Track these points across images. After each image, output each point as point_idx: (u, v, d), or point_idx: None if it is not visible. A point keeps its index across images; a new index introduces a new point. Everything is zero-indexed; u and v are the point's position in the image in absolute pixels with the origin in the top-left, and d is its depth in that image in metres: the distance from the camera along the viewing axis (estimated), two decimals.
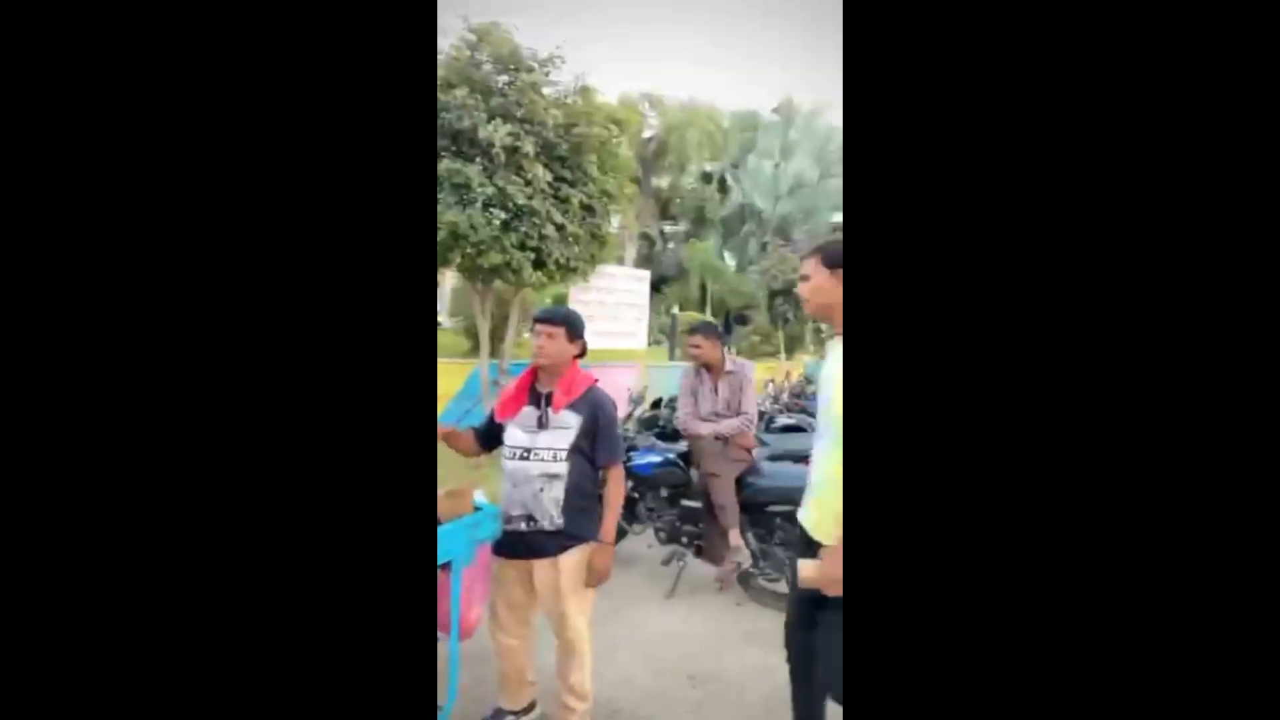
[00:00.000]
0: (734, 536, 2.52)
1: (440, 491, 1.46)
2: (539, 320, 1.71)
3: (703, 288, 14.91)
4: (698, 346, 2.80)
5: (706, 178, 18.78)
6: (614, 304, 5.88)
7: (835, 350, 1.43)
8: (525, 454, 1.69)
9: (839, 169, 19.46)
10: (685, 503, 2.77)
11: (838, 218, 18.72)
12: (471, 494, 1.56)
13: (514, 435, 1.67)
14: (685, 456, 2.86)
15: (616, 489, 1.69)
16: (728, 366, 2.79)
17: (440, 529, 1.37)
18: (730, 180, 18.96)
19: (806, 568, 1.30)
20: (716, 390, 2.80)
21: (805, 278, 1.41)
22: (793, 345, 13.13)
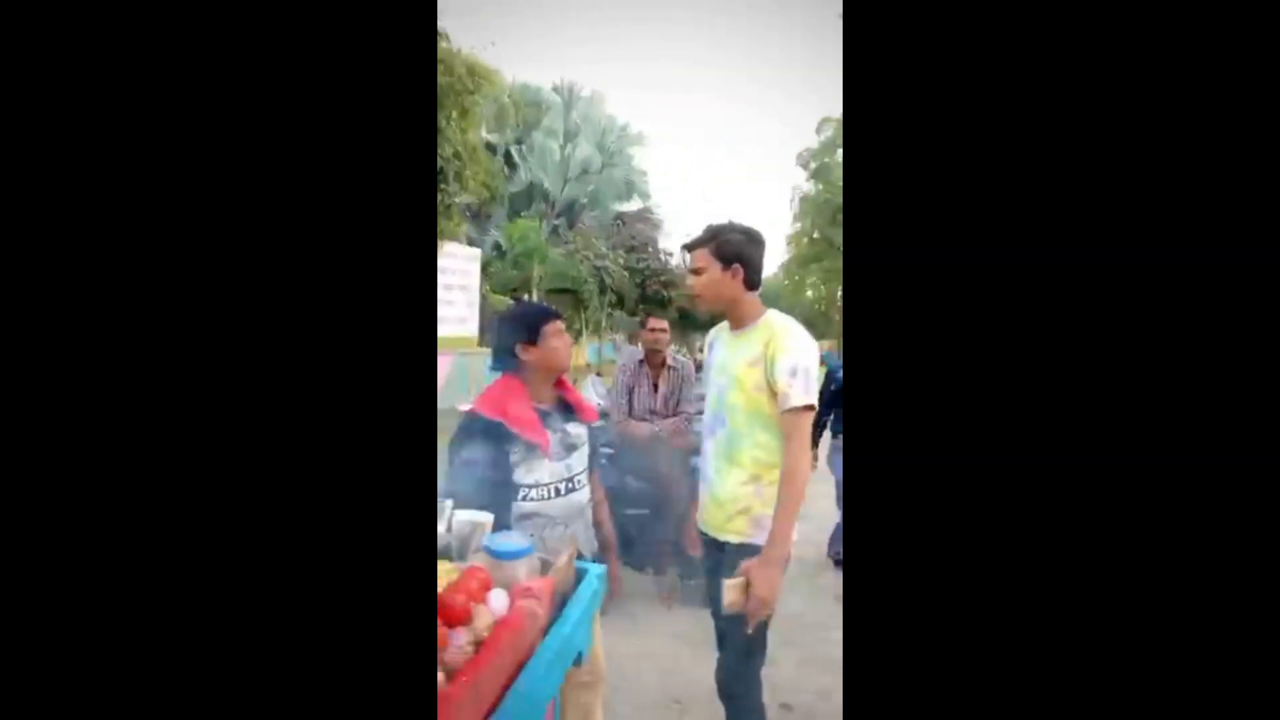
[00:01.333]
0: (693, 539, 2.46)
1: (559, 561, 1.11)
2: (557, 317, 1.43)
3: (517, 266, 13.86)
4: (665, 332, 2.64)
5: (491, 149, 17.88)
6: (445, 286, 5.18)
7: (723, 340, 1.45)
8: (571, 485, 1.42)
9: (620, 159, 20.30)
10: (629, 511, 2.62)
11: (620, 206, 19.51)
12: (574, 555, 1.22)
13: (552, 469, 1.37)
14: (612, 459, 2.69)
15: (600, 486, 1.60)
16: (669, 362, 2.70)
17: (568, 615, 1.02)
18: (516, 156, 18.34)
19: (731, 590, 1.23)
20: (656, 387, 2.68)
21: (698, 271, 1.38)
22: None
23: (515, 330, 1.39)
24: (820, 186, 18.90)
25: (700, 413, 3.86)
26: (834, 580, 2.95)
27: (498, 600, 0.86)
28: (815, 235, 19.41)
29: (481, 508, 1.22)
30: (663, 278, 14.44)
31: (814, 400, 1.29)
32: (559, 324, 1.41)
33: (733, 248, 1.37)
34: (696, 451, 3.03)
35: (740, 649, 1.35)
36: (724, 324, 1.50)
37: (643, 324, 2.69)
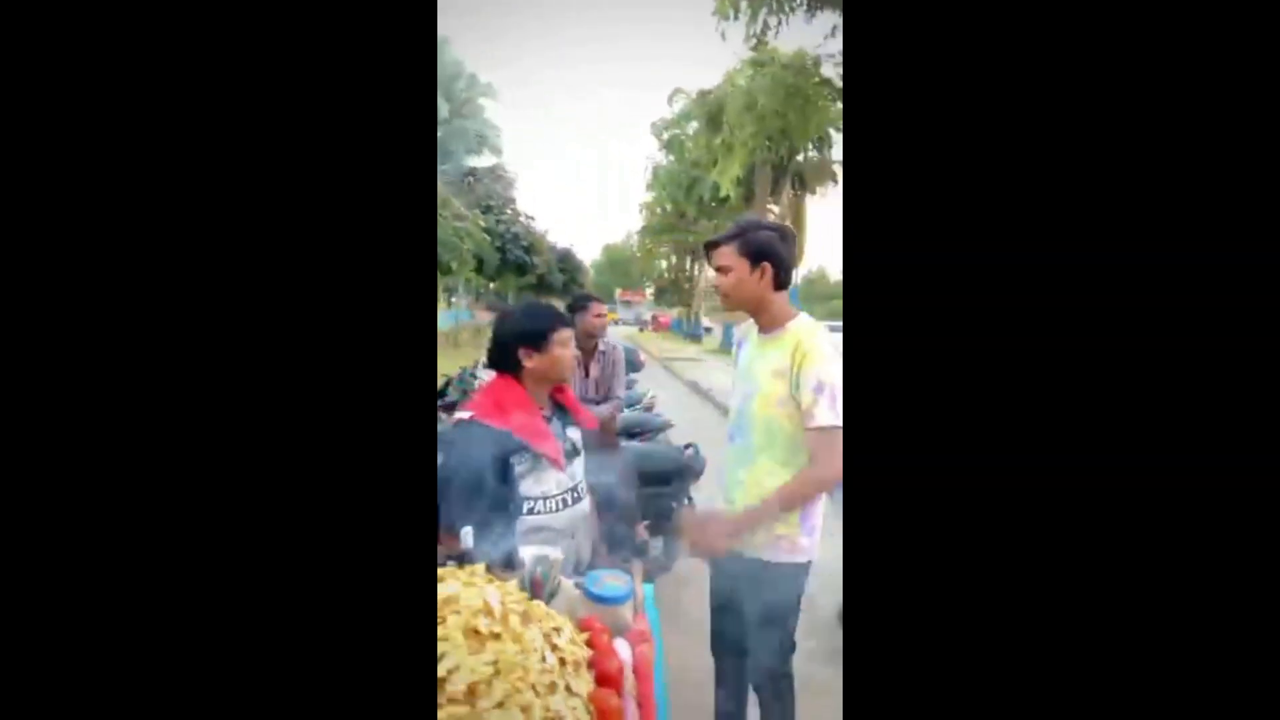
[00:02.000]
0: (640, 530, 2.48)
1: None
2: (567, 325, 1.36)
3: None
4: (605, 317, 2.55)
5: None
6: None
7: (752, 342, 1.41)
8: (575, 494, 1.36)
9: (470, 109, 18.95)
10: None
11: (472, 161, 18.29)
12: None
13: (559, 480, 1.30)
14: None
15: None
16: (600, 346, 2.64)
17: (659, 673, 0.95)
18: None
19: (687, 518, 1.32)
20: (588, 372, 2.62)
21: (724, 269, 1.32)
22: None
23: (522, 334, 1.28)
24: (672, 158, 19.37)
25: (630, 399, 3.81)
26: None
27: (625, 651, 0.80)
28: (668, 207, 19.94)
29: (487, 523, 1.12)
30: (524, 242, 13.85)
31: (840, 421, 1.22)
32: (568, 331, 1.32)
33: (761, 245, 1.30)
34: (628, 435, 3.03)
35: (768, 649, 1.38)
36: (754, 323, 1.43)
37: (572, 308, 2.57)
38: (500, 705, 0.60)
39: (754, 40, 10.28)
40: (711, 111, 14.14)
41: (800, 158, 13.67)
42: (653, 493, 2.54)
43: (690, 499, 2.72)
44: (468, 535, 1.04)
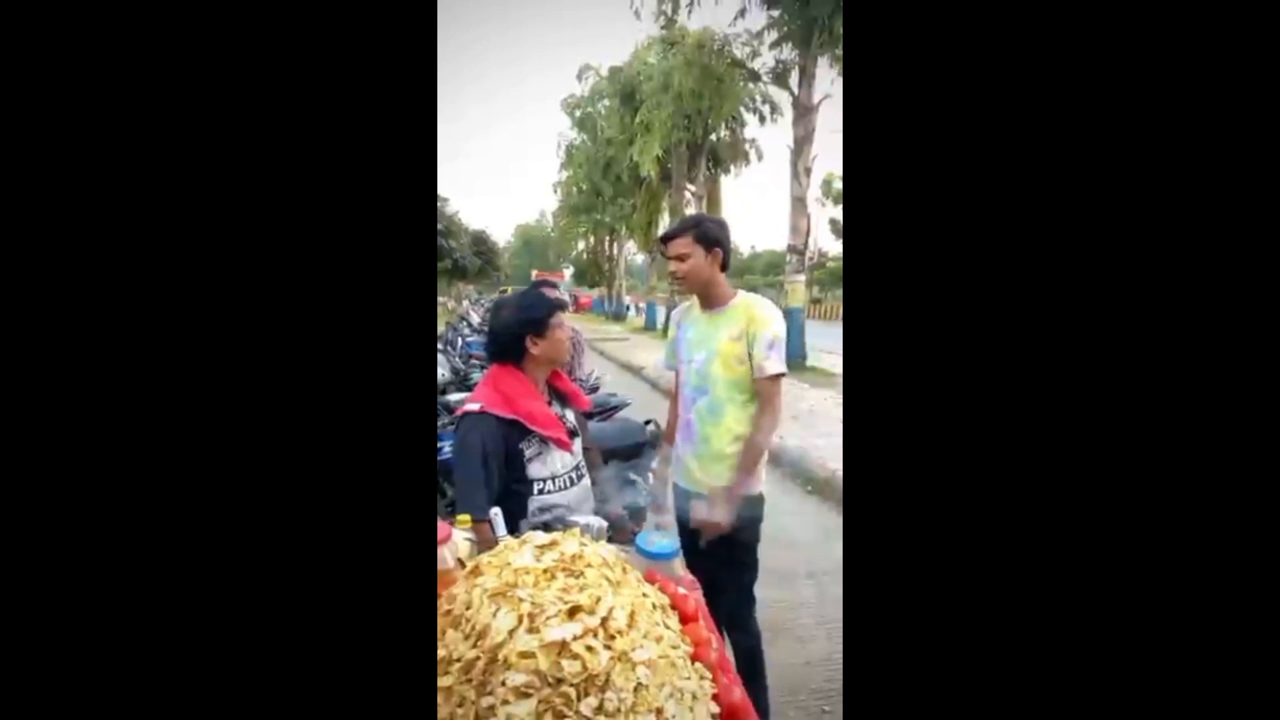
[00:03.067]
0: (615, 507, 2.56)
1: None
2: (562, 309, 1.47)
3: None
4: (561, 297, 2.59)
5: None
6: None
7: (695, 319, 1.62)
8: (579, 472, 1.46)
9: None
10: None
11: None
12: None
13: (564, 459, 1.38)
14: None
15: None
16: None
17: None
18: None
19: (699, 509, 1.50)
20: None
21: (683, 257, 1.51)
22: None
23: (524, 323, 1.35)
24: (584, 137, 19.12)
25: (590, 382, 3.85)
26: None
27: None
28: (584, 186, 19.71)
29: (500, 505, 1.21)
30: (439, 225, 13.29)
31: (785, 369, 1.51)
32: (563, 314, 1.40)
33: (712, 233, 1.52)
34: (597, 415, 3.09)
35: (737, 571, 1.57)
36: (690, 304, 1.65)
37: (537, 285, 2.61)
38: (645, 635, 0.73)
39: (664, 19, 10.30)
40: (624, 88, 14.06)
41: (714, 137, 13.92)
42: (622, 468, 2.65)
43: (652, 470, 2.87)
44: (498, 517, 1.10)
